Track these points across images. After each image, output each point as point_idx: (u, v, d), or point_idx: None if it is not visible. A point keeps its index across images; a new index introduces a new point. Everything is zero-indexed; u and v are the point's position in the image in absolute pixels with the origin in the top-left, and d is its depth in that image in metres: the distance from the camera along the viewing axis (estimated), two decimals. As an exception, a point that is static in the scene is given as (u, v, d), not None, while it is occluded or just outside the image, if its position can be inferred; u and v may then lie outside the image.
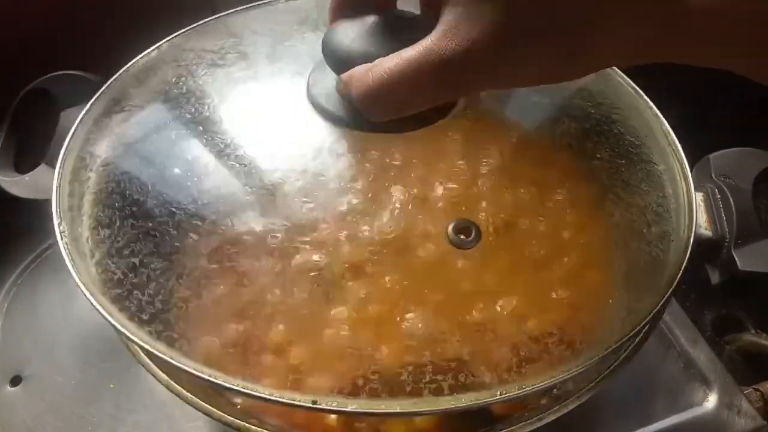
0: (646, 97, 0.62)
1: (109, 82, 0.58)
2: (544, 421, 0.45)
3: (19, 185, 0.60)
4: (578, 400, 0.46)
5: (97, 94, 0.57)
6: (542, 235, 0.65)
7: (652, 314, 0.49)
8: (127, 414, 0.65)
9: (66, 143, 0.54)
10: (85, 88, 0.64)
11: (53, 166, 0.61)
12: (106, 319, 0.46)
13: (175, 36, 0.64)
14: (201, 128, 0.56)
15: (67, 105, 0.63)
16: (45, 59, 0.65)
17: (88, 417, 0.65)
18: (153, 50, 0.62)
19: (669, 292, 0.51)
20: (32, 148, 0.63)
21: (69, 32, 0.76)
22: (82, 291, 0.47)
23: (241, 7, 0.67)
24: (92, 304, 0.46)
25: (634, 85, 0.62)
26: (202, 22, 0.66)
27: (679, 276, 0.51)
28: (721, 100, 1.13)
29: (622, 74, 0.64)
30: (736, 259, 0.55)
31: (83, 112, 0.55)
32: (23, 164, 0.62)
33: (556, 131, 0.73)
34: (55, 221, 0.51)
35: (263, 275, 0.58)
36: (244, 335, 0.57)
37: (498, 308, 0.59)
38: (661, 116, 0.60)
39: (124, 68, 0.59)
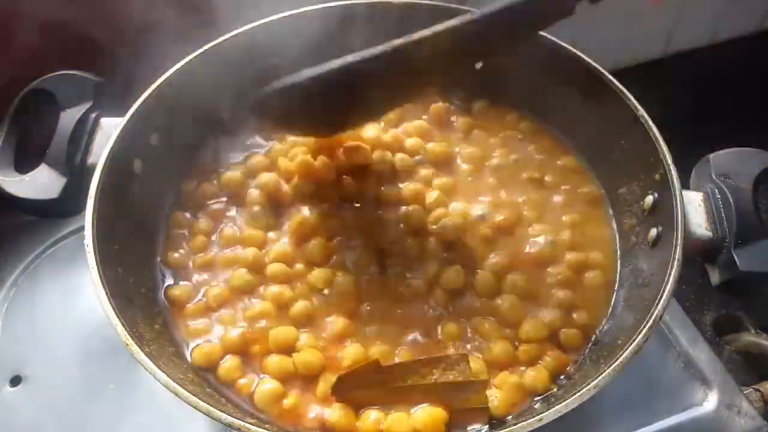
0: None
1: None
2: (545, 422, 0.45)
3: (19, 185, 0.60)
4: (579, 399, 0.46)
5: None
6: (542, 234, 0.65)
7: (652, 316, 0.50)
8: (127, 414, 0.65)
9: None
10: (85, 88, 0.64)
11: (53, 166, 0.61)
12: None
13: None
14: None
15: (67, 105, 0.63)
16: (45, 59, 0.65)
17: (88, 417, 0.65)
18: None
19: (666, 294, 0.51)
20: (32, 148, 0.63)
21: (69, 32, 0.76)
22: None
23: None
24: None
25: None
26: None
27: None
28: (720, 101, 1.13)
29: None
30: (736, 259, 0.55)
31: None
32: (23, 164, 0.62)
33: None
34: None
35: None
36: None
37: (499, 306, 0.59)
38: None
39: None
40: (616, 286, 0.62)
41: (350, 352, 0.55)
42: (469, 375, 0.51)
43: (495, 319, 0.58)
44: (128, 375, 0.66)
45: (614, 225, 0.66)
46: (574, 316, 0.59)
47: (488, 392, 0.52)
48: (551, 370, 0.55)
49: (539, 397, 0.54)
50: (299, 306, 0.58)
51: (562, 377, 0.55)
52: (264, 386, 0.54)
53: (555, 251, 0.63)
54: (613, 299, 0.61)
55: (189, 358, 0.56)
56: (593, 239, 0.65)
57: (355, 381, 0.51)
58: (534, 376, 0.54)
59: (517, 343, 0.57)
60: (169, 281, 0.61)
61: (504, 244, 0.63)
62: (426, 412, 0.50)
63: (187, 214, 0.65)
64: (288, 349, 0.56)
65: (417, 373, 0.51)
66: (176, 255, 0.62)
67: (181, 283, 0.61)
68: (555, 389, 0.54)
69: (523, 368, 0.55)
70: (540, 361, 0.56)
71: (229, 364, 0.55)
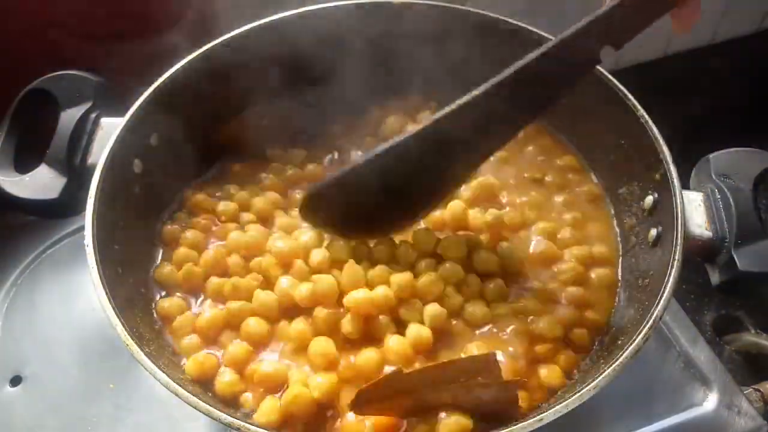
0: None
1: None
2: (545, 422, 0.45)
3: (19, 185, 0.60)
4: (579, 400, 0.46)
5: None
6: (547, 234, 0.65)
7: (652, 316, 0.50)
8: (127, 414, 0.65)
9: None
10: (85, 88, 0.64)
11: (53, 166, 0.61)
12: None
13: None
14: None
15: (67, 105, 0.63)
16: (45, 59, 0.65)
17: (88, 417, 0.65)
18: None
19: (666, 294, 0.51)
20: (32, 148, 0.63)
21: (69, 32, 0.76)
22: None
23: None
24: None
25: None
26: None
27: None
28: (720, 101, 1.13)
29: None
30: (736, 259, 0.55)
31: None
32: (23, 164, 0.62)
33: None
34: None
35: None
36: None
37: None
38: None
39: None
40: (619, 286, 0.62)
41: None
42: (499, 375, 0.48)
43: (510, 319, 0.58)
44: (128, 375, 0.66)
45: (615, 224, 0.66)
46: (586, 314, 0.59)
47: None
48: (564, 367, 0.55)
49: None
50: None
51: (575, 373, 0.56)
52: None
53: (558, 251, 0.63)
54: (615, 299, 0.61)
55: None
56: (595, 239, 0.65)
57: (376, 392, 0.47)
58: (549, 374, 0.54)
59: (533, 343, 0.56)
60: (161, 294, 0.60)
61: (511, 246, 0.63)
62: (450, 424, 0.47)
63: (176, 226, 0.64)
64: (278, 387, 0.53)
65: (441, 378, 0.47)
66: (167, 269, 0.61)
67: (173, 297, 0.60)
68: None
69: (539, 367, 0.55)
70: (554, 359, 0.56)
71: (228, 378, 0.54)
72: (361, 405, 0.47)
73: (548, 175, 0.69)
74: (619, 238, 0.65)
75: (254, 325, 0.56)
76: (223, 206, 0.65)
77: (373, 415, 0.49)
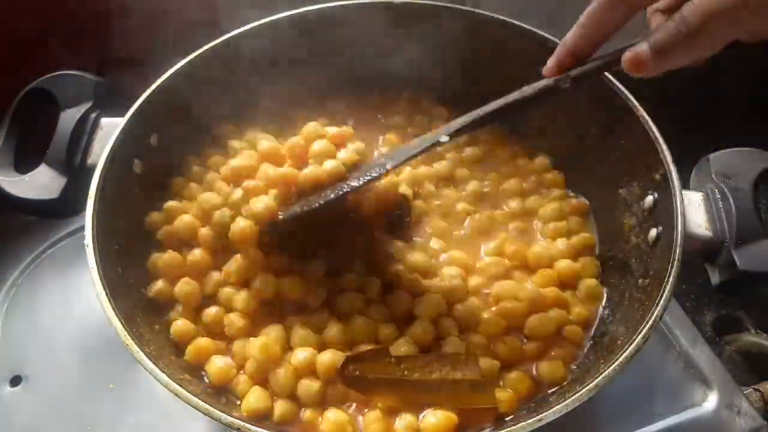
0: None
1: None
2: (544, 422, 0.45)
3: (19, 185, 0.60)
4: (578, 400, 0.46)
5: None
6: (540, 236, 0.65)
7: (652, 316, 0.50)
8: (127, 414, 0.65)
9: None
10: (85, 88, 0.64)
11: (53, 166, 0.61)
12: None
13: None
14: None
15: (67, 105, 0.63)
16: (45, 59, 0.65)
17: (88, 417, 0.65)
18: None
19: (667, 294, 0.51)
20: (32, 148, 0.63)
21: (69, 32, 0.76)
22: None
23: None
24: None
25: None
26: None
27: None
28: (720, 100, 1.13)
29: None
30: (736, 259, 0.55)
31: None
32: (23, 164, 0.62)
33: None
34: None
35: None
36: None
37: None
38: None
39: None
40: (613, 286, 0.62)
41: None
42: (478, 374, 0.50)
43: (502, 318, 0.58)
44: (128, 375, 0.66)
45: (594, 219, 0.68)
46: (576, 309, 0.60)
47: (500, 392, 0.52)
48: (565, 361, 0.56)
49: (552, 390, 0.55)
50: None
51: (574, 367, 0.56)
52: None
53: (551, 255, 0.64)
54: (613, 299, 0.61)
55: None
56: (579, 231, 0.66)
57: (363, 365, 0.51)
58: (548, 369, 0.55)
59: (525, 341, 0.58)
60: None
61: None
62: (436, 418, 0.50)
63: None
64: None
65: (425, 368, 0.51)
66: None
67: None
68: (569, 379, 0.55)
69: (533, 364, 0.56)
70: (552, 354, 0.57)
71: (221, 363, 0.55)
72: (347, 374, 0.51)
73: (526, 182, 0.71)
74: (595, 230, 0.67)
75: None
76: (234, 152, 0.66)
77: (357, 390, 0.51)
